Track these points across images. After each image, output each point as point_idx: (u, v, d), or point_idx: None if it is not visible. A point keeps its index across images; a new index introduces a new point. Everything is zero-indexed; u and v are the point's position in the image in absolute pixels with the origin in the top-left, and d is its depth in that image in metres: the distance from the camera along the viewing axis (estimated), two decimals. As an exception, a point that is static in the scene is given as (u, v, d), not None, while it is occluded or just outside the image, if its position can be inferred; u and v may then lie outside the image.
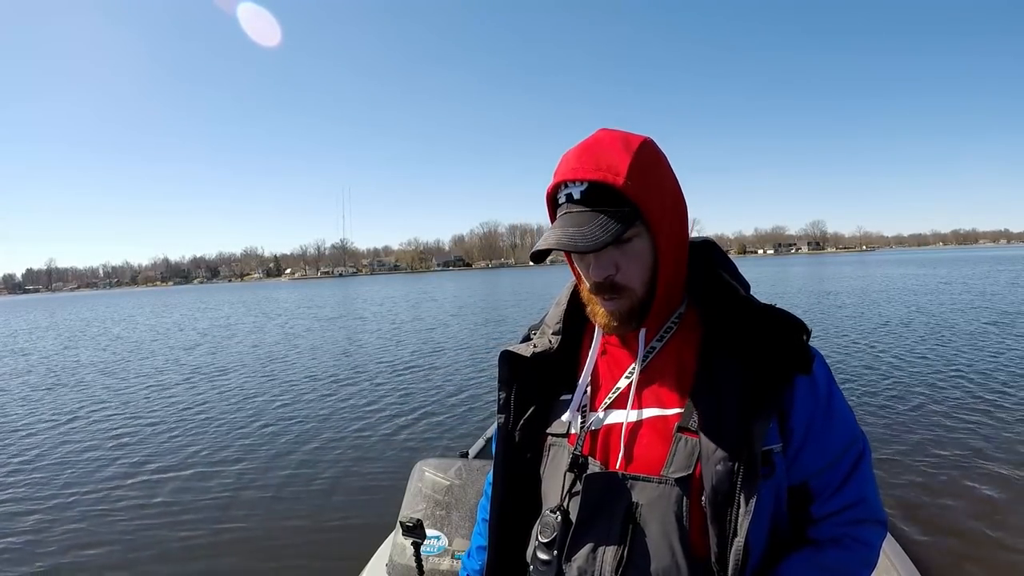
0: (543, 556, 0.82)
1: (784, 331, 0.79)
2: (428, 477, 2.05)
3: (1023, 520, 3.59)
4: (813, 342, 0.82)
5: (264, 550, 3.75)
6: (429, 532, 1.84)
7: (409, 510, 1.99)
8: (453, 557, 1.89)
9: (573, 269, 0.88)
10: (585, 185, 0.76)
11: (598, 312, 0.83)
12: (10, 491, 5.07)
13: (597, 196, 0.76)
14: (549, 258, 0.81)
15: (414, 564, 1.59)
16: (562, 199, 0.79)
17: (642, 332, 0.85)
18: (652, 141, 0.81)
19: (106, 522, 4.32)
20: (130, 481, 5.16)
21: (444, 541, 1.92)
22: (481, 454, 3.21)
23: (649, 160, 0.78)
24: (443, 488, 2.01)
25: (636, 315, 0.82)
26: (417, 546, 1.53)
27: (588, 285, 0.83)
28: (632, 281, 0.80)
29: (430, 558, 1.87)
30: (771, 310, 0.82)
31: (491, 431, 3.64)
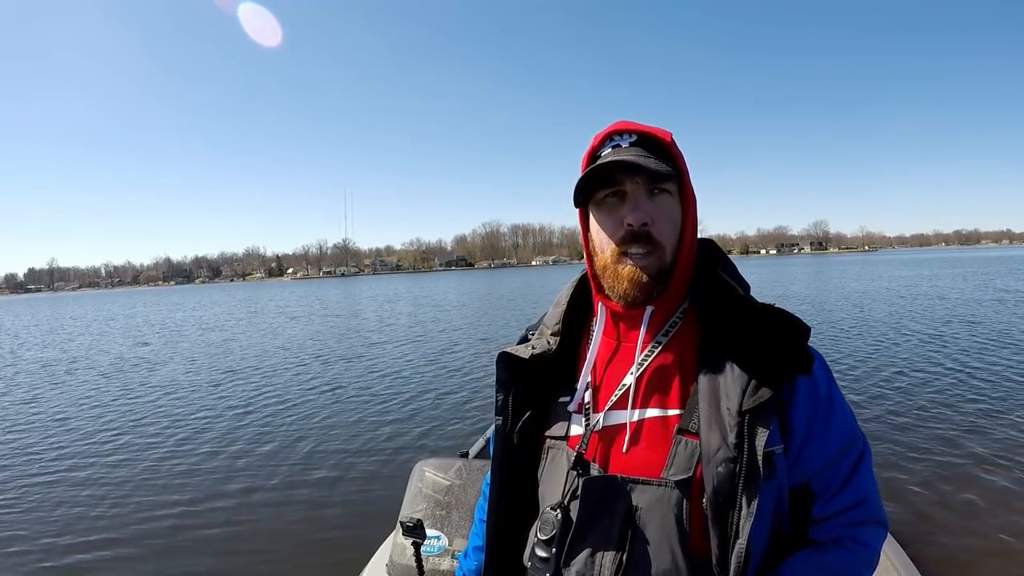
0: (541, 553, 0.81)
1: (784, 331, 0.78)
2: (428, 477, 2.05)
3: (1022, 520, 3.58)
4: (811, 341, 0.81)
5: (264, 550, 3.75)
6: (429, 532, 1.84)
7: (409, 510, 1.99)
8: (453, 557, 1.89)
9: (586, 236, 0.87)
10: (635, 136, 0.81)
11: (622, 273, 0.81)
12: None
13: (646, 146, 0.81)
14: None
15: (414, 564, 1.59)
16: (607, 149, 0.82)
17: (641, 334, 0.85)
18: None
19: (109, 521, 4.33)
20: (131, 481, 5.17)
21: (444, 541, 1.92)
22: (481, 454, 3.20)
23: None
24: (443, 488, 2.01)
25: (658, 280, 0.82)
26: (417, 546, 1.53)
27: (616, 240, 0.81)
28: (663, 237, 0.81)
29: (430, 558, 1.87)
30: (770, 310, 0.80)
31: (491, 431, 3.63)
